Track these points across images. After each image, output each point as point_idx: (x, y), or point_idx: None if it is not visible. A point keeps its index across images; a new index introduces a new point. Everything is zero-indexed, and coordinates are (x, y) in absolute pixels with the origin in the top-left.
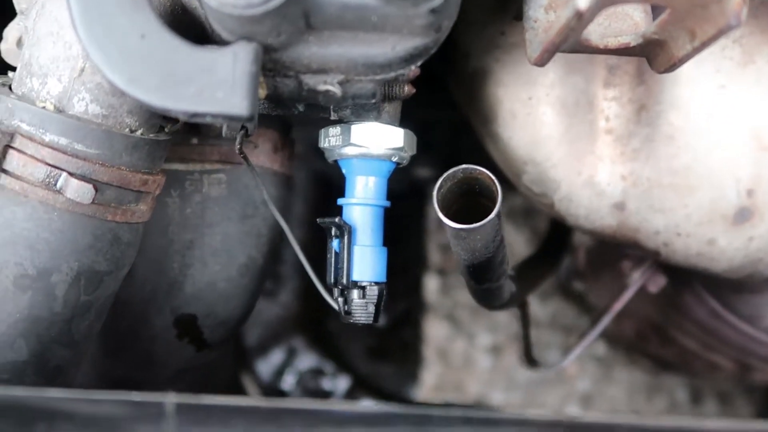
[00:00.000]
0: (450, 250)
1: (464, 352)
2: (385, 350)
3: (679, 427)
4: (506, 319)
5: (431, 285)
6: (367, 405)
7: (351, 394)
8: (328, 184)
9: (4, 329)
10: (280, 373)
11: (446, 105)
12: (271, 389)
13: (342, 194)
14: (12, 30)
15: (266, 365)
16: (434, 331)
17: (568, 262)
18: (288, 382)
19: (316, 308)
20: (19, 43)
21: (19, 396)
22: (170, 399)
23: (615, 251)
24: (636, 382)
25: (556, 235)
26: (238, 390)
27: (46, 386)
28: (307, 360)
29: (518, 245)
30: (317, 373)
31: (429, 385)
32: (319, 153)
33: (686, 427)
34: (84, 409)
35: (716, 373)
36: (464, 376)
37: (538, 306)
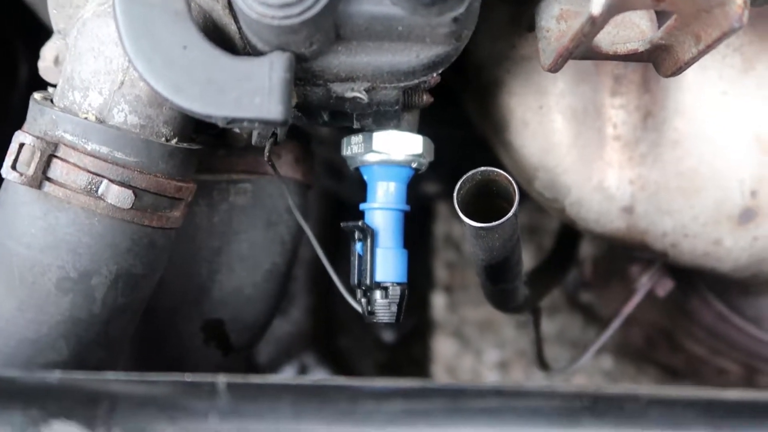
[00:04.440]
0: (456, 268)
1: (472, 369)
2: (395, 367)
3: (696, 397)
4: (513, 335)
5: (438, 302)
6: (406, 381)
7: None
8: (336, 200)
9: (46, 330)
10: None
11: (451, 122)
12: None
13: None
14: (49, 49)
15: None
16: (442, 347)
17: (575, 274)
18: None
19: (326, 325)
20: (56, 61)
21: (80, 379)
22: (221, 379)
23: (623, 259)
24: None
25: (562, 246)
26: None
27: None
28: (318, 377)
29: (524, 260)
30: None
31: None
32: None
33: (705, 397)
34: (141, 390)
35: (723, 379)
36: None
37: (545, 321)
